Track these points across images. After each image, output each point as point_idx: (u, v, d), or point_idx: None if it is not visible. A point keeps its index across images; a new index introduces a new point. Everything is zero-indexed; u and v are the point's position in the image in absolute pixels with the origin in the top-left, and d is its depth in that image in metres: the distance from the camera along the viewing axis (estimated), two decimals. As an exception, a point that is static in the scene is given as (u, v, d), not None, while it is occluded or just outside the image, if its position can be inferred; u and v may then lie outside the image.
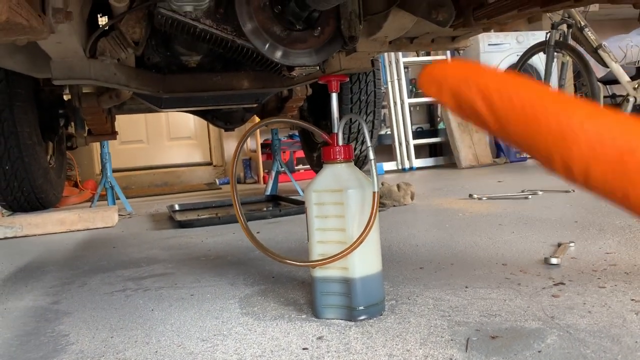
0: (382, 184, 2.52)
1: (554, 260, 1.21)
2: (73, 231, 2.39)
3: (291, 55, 1.41)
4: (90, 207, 3.05)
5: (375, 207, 0.91)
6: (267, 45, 1.37)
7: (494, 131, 0.22)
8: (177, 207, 2.78)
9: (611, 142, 0.18)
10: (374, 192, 0.91)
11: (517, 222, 1.78)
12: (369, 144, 0.95)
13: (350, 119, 2.86)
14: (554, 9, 1.03)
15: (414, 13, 1.37)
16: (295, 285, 1.19)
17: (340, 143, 0.97)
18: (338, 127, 0.98)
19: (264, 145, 4.79)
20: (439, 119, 5.29)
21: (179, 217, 2.47)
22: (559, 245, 1.38)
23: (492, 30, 4.81)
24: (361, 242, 0.90)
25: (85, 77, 1.61)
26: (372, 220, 0.90)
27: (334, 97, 0.99)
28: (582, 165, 0.19)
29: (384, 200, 2.43)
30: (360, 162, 2.91)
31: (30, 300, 1.25)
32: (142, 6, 1.45)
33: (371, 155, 0.93)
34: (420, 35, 1.83)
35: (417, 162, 4.88)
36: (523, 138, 0.21)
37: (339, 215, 0.93)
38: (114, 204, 3.10)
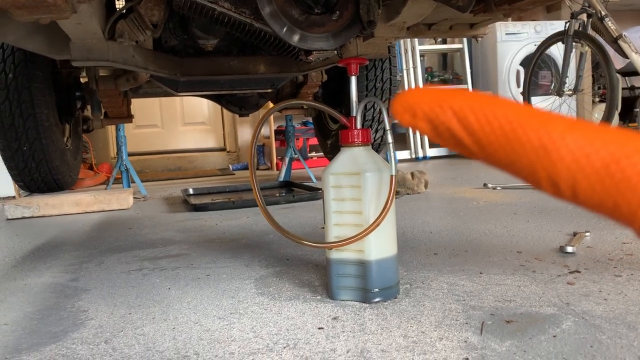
0: (397, 172, 2.51)
1: (569, 249, 1.20)
2: (89, 212, 2.42)
3: (309, 39, 1.40)
4: (105, 189, 3.08)
5: (392, 191, 0.91)
6: (285, 29, 1.37)
7: (475, 154, 0.21)
8: (191, 191, 2.81)
9: (595, 153, 0.18)
10: (391, 176, 0.92)
11: (532, 211, 1.77)
12: (387, 127, 0.95)
13: (366, 105, 2.85)
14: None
15: (433, -2, 1.36)
16: (310, 268, 1.20)
17: (359, 127, 0.97)
18: (357, 110, 0.98)
19: (277, 132, 4.80)
20: (453, 108, 5.25)
21: (193, 200, 2.48)
22: (575, 234, 1.37)
23: (510, 19, 4.75)
24: (378, 225, 0.90)
25: (103, 58, 1.62)
26: (389, 204, 0.90)
27: (353, 80, 0.99)
28: (569, 180, 0.19)
29: (398, 188, 2.42)
30: (374, 148, 2.91)
31: (49, 277, 1.27)
32: (161, -12, 1.45)
33: (389, 139, 0.93)
34: (438, 21, 1.82)
35: (431, 151, 4.86)
36: (505, 158, 0.20)
37: (356, 199, 0.94)
38: (129, 186, 3.13)
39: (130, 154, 3.46)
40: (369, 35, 1.68)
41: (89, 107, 2.92)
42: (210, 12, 1.43)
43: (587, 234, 1.36)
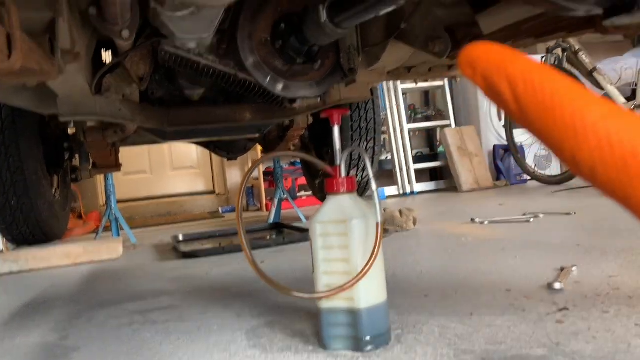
0: (385, 210, 2.54)
1: (557, 285, 1.22)
2: (78, 264, 2.40)
3: (292, 88, 1.44)
4: (94, 238, 3.06)
5: (379, 238, 0.92)
6: (268, 79, 1.41)
7: (516, 117, 0.24)
8: (181, 238, 2.80)
9: (619, 144, 0.20)
10: (377, 223, 0.93)
11: (520, 246, 1.79)
12: (370, 175, 0.97)
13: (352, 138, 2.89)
14: (548, 39, 1.06)
15: (411, 45, 1.41)
16: (301, 316, 1.20)
17: (343, 175, 0.99)
18: (340, 159, 1.00)
19: (266, 173, 4.82)
20: (438, 143, 5.33)
21: (183, 247, 2.48)
22: (562, 269, 1.39)
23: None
24: (366, 273, 0.91)
25: (91, 113, 1.64)
26: (376, 251, 0.92)
27: (336, 129, 1.02)
28: (589, 163, 0.21)
29: (387, 226, 2.44)
30: (362, 188, 2.93)
31: (38, 336, 1.25)
32: (146, 44, 1.48)
33: (373, 187, 0.95)
34: (417, 64, 1.88)
35: (418, 187, 4.90)
36: (540, 129, 0.22)
37: (344, 246, 0.95)
38: (119, 235, 3.11)
39: (119, 201, 3.45)
40: (351, 80, 1.72)
41: (77, 157, 2.94)
42: (196, 65, 1.47)
43: (574, 268, 1.38)
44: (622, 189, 0.20)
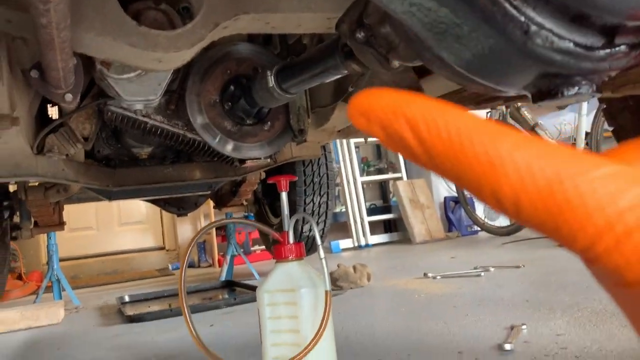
0: (338, 266, 2.52)
1: (507, 347, 1.22)
2: (15, 331, 2.25)
3: (243, 149, 1.44)
4: (34, 301, 2.89)
5: (328, 307, 0.90)
6: (217, 139, 1.40)
7: (424, 163, 0.21)
8: (127, 299, 2.68)
9: (540, 172, 0.18)
10: (326, 291, 0.92)
11: (471, 302, 1.80)
12: (318, 242, 0.96)
13: (301, 217, 2.89)
14: (486, 106, 1.10)
15: (359, 107, 1.43)
16: (250, 387, 1.15)
17: (292, 241, 0.98)
18: (289, 225, 0.99)
19: (218, 227, 4.74)
20: (391, 194, 5.40)
21: (128, 310, 2.37)
22: (512, 327, 1.39)
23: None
24: (315, 344, 0.88)
25: (31, 174, 1.58)
26: (325, 321, 0.90)
27: (284, 196, 1.01)
28: (512, 197, 0.19)
29: (340, 283, 2.41)
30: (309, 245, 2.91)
31: (-39, 420, 1.15)
32: (92, 104, 1.46)
33: (322, 254, 0.94)
34: (367, 123, 1.91)
35: (373, 239, 4.92)
36: (452, 170, 0.20)
37: (293, 316, 0.92)
38: (60, 298, 2.96)
39: (63, 259, 3.30)
40: (302, 140, 1.74)
41: (17, 215, 2.81)
42: (143, 125, 1.45)
43: (524, 326, 1.39)
44: (551, 219, 0.18)
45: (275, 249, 0.98)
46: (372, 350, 1.35)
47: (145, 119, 1.46)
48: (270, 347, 0.93)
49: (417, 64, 0.79)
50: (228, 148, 1.43)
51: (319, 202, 2.98)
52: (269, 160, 1.75)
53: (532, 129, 3.84)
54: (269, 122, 1.46)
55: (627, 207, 0.17)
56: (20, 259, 4.07)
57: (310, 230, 2.91)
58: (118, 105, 1.41)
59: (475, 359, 1.18)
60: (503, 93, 0.56)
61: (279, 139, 1.49)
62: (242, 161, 1.76)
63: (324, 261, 0.94)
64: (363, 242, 4.83)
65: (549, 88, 0.49)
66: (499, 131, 0.19)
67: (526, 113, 3.88)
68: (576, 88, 0.49)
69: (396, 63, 0.82)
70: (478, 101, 1.09)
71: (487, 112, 4.17)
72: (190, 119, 1.39)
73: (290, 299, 0.92)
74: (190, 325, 0.93)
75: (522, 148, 0.19)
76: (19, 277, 4.04)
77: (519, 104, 3.89)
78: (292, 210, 2.85)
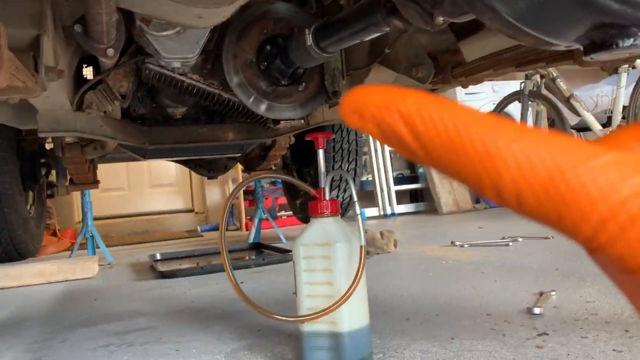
0: (366, 232, 2.53)
1: (536, 310, 1.23)
2: (52, 283, 2.35)
3: (276, 109, 1.45)
4: (69, 256, 3.00)
5: (362, 261, 0.92)
6: (252, 99, 1.41)
7: (421, 159, 0.21)
8: (158, 257, 2.76)
9: (540, 163, 0.18)
10: (361, 246, 0.93)
11: (500, 270, 1.80)
12: (354, 198, 0.97)
13: (335, 158, 2.90)
14: (527, 68, 1.09)
15: (394, 70, 1.42)
16: (282, 339, 1.19)
17: (327, 198, 0.99)
18: (325, 182, 1.00)
19: (246, 192, 4.80)
20: (418, 165, 5.37)
21: (160, 267, 2.44)
22: (541, 294, 1.40)
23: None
24: (349, 297, 0.91)
25: (71, 129, 1.62)
26: (359, 274, 0.92)
27: (321, 153, 1.02)
28: (514, 189, 0.18)
29: (368, 248, 2.43)
30: (343, 208, 2.93)
31: (10, 359, 1.22)
32: (130, 62, 1.48)
33: (357, 210, 0.96)
34: (400, 88, 1.90)
35: (399, 208, 4.93)
36: (451, 165, 0.20)
37: (327, 269, 0.95)
38: (94, 253, 3.06)
39: (95, 218, 3.39)
40: (335, 103, 1.74)
41: (54, 173, 2.89)
42: (179, 84, 1.46)
43: (553, 293, 1.39)
44: (554, 210, 0.18)
45: (311, 205, 0.99)
46: (400, 309, 1.38)
47: (182, 78, 1.48)
48: (305, 298, 0.96)
49: (460, 20, 0.78)
50: (262, 108, 1.44)
51: (347, 169, 2.99)
52: (302, 121, 1.77)
53: (567, 100, 3.75)
54: (303, 83, 1.47)
55: (630, 194, 0.17)
56: (54, 216, 4.20)
57: (342, 198, 2.93)
58: (156, 63, 1.43)
59: (504, 321, 1.19)
60: (553, 46, 0.56)
61: (313, 100, 1.49)
62: (275, 122, 1.77)
63: (359, 217, 0.95)
64: (389, 211, 4.85)
65: (603, 39, 0.49)
66: (496, 123, 0.19)
67: (561, 84, 3.79)
68: (632, 39, 0.49)
69: (440, 19, 0.82)
70: (518, 63, 1.07)
71: (521, 83, 4.09)
72: (226, 78, 1.40)
73: (326, 252, 0.94)
74: (231, 276, 0.96)
75: (520, 139, 0.19)
76: (54, 234, 4.18)
77: (555, 74, 3.80)
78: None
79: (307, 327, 0.96)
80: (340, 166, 2.92)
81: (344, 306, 0.92)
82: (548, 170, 0.18)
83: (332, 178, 2.87)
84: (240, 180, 4.86)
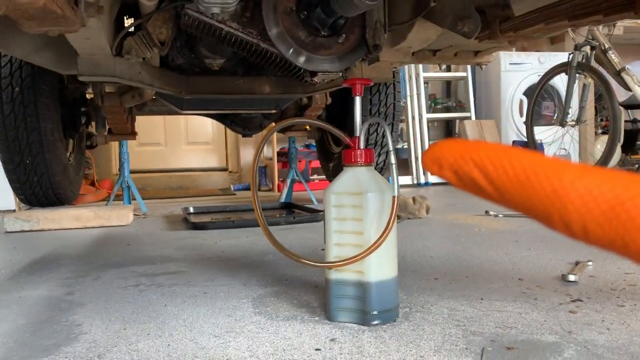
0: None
1: (571, 277, 1.19)
2: (88, 228, 2.41)
3: (314, 61, 1.41)
4: (106, 205, 3.07)
5: (394, 212, 0.90)
6: (291, 50, 1.38)
7: (495, 199, 0.25)
8: (191, 210, 2.80)
9: (602, 196, 0.20)
10: (393, 197, 0.91)
11: (534, 239, 1.76)
12: (390, 147, 0.94)
13: (369, 129, 2.86)
14: (582, 23, 1.03)
15: (439, 24, 1.37)
16: (308, 289, 1.19)
17: (362, 147, 0.97)
18: (360, 130, 0.98)
19: (280, 154, 4.81)
20: (456, 135, 5.27)
21: (193, 219, 2.48)
22: (577, 263, 1.36)
23: (514, 49, 4.79)
24: (379, 246, 0.89)
25: (110, 74, 1.63)
26: (390, 225, 0.90)
27: (358, 100, 0.99)
28: (580, 221, 0.21)
29: (399, 213, 2.40)
30: (378, 170, 2.90)
31: (45, 290, 1.26)
32: (170, 7, 1.47)
33: (392, 160, 0.93)
34: (443, 48, 1.84)
35: (433, 178, 4.86)
36: (522, 203, 0.23)
37: (358, 219, 0.93)
38: (130, 203, 3.12)
39: (132, 171, 3.46)
40: (374, 59, 1.69)
41: (93, 123, 2.94)
42: (218, 32, 1.44)
43: (590, 263, 1.35)
44: (619, 238, 0.20)
45: (344, 153, 0.97)
46: (428, 269, 1.36)
47: (221, 25, 1.45)
48: (333, 246, 0.95)
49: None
50: (300, 59, 1.41)
51: (383, 133, 2.94)
52: (339, 75, 1.73)
53: (618, 74, 3.59)
54: (343, 35, 1.43)
55: None
56: (93, 166, 4.30)
57: (376, 162, 2.90)
58: (195, 9, 1.41)
59: (537, 286, 1.16)
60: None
61: (352, 53, 1.45)
62: (312, 76, 1.74)
63: (393, 167, 0.93)
64: (423, 180, 4.79)
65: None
66: (559, 164, 0.22)
67: (613, 56, 3.62)
68: None
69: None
70: (572, 16, 1.01)
71: (569, 54, 3.92)
72: (265, 28, 1.37)
73: (357, 201, 0.93)
74: (261, 218, 0.95)
75: (582, 176, 0.21)
76: (92, 184, 4.29)
77: (606, 45, 3.62)
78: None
79: (334, 275, 0.95)
80: (376, 130, 2.87)
81: (372, 256, 0.90)
82: (609, 203, 0.20)
83: (367, 140, 2.84)
84: (275, 142, 4.86)
